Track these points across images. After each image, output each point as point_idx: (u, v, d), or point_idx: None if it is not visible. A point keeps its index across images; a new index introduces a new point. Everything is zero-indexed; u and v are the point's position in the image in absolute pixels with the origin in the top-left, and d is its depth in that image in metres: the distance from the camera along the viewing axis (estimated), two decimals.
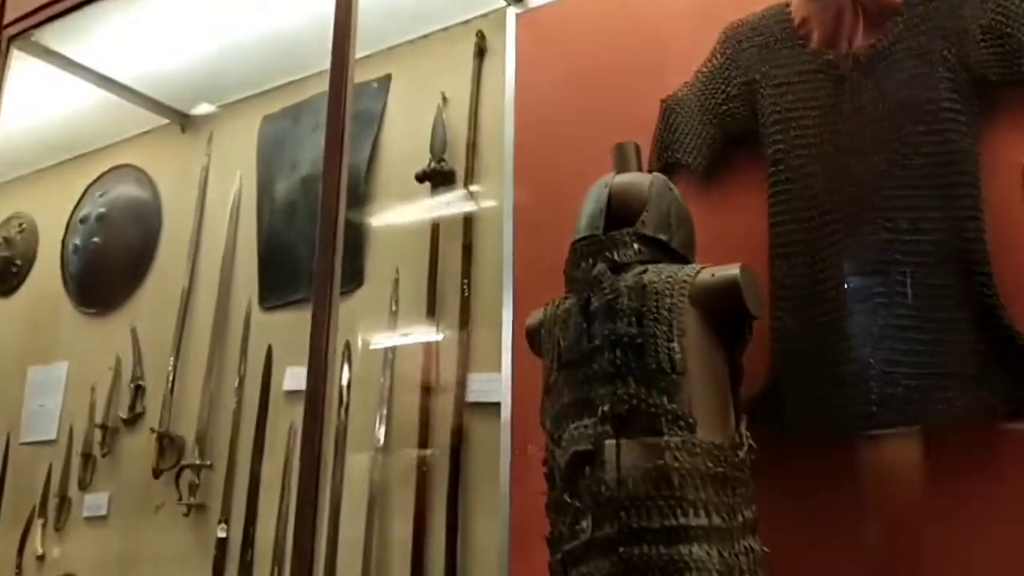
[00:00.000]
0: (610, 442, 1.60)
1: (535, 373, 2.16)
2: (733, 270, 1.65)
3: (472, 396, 2.30)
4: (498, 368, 2.22)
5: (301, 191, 2.82)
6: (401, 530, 2.28)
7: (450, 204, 2.47)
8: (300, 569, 1.66)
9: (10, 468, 3.31)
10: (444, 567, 2.18)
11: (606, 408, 1.63)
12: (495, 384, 2.24)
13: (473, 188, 2.43)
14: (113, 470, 3.00)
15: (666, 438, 1.57)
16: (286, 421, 2.64)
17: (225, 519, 2.64)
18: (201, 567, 2.63)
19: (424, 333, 2.43)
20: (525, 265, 2.23)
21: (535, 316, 1.90)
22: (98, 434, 3.03)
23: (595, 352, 1.67)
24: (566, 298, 1.81)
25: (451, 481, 2.25)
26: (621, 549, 1.53)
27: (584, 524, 1.60)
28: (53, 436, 3.20)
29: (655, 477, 1.56)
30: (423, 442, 2.33)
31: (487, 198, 2.41)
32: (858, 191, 1.74)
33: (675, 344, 1.63)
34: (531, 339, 1.91)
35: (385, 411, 2.43)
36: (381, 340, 2.52)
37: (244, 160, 3.01)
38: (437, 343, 2.41)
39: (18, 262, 3.54)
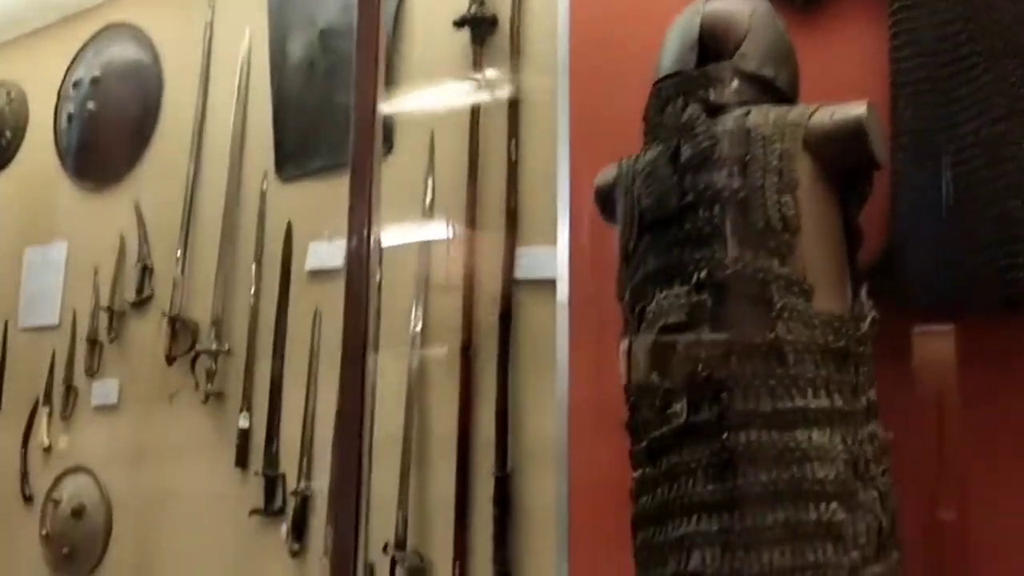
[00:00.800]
0: (709, 313, 1.37)
1: (596, 244, 1.93)
2: (857, 109, 1.39)
3: (522, 272, 2.05)
4: (552, 240, 1.97)
5: (320, 48, 2.50)
6: (444, 423, 2.07)
7: (492, 53, 2.16)
8: (348, 466, 1.45)
9: (10, 355, 3.10)
10: (495, 460, 1.97)
11: (703, 274, 1.38)
12: (549, 258, 1.98)
13: (520, 32, 2.12)
14: (122, 356, 2.78)
15: (778, 307, 1.33)
16: (310, 303, 2.40)
17: (247, 408, 2.43)
18: (222, 457, 2.44)
19: (464, 203, 2.16)
20: (584, 118, 1.94)
21: (607, 173, 1.64)
22: (104, 318, 2.80)
23: (688, 210, 1.42)
24: (647, 149, 1.54)
25: (500, 367, 2.02)
26: (725, 436, 1.31)
27: (678, 407, 1.37)
28: (55, 321, 2.97)
29: (764, 353, 1.33)
30: (467, 325, 2.09)
31: (536, 42, 2.09)
32: (1002, 17, 1.45)
33: (787, 198, 1.38)
34: (602, 201, 1.65)
35: (423, 293, 2.18)
36: (414, 212, 2.25)
37: (253, 15, 2.68)
38: (479, 214, 2.14)
39: (7, 134, 3.24)
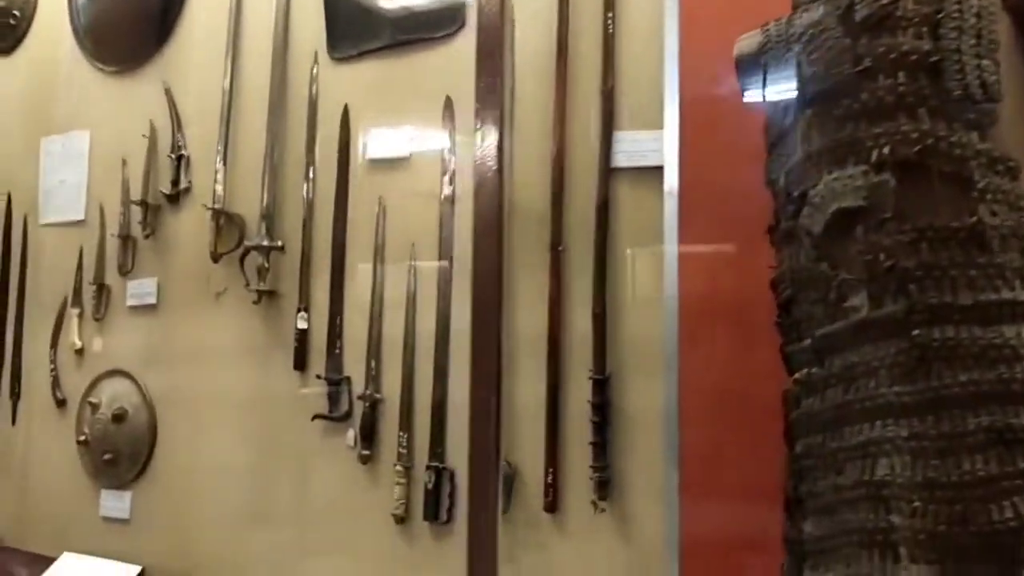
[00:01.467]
0: (892, 195, 1.20)
1: (708, 127, 1.76)
2: None
3: (621, 160, 1.87)
4: (658, 124, 1.79)
5: None
6: (532, 323, 1.91)
7: None
8: (485, 376, 1.31)
9: (31, 253, 2.90)
10: (592, 362, 1.83)
11: (884, 151, 1.21)
12: (654, 143, 1.81)
13: None
14: (159, 254, 2.59)
15: (980, 187, 1.18)
16: (370, 195, 2.22)
17: (304, 307, 2.26)
18: (277, 359, 2.29)
19: (550, 82, 1.96)
20: None
21: (749, 40, 1.44)
22: (137, 213, 2.60)
23: (866, 77, 1.24)
24: (805, 9, 1.35)
25: (597, 264, 1.86)
26: (916, 332, 1.16)
27: (856, 300, 1.22)
28: (81, 216, 2.77)
29: (963, 240, 1.17)
30: (556, 220, 1.92)
31: None
32: None
33: (987, 61, 1.20)
34: (745, 72, 1.46)
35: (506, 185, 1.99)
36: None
37: None
38: (569, 93, 1.95)
39: (16, 13, 2.97)
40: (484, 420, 1.38)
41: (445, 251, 2.07)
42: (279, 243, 2.30)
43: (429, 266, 2.11)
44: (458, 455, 2.00)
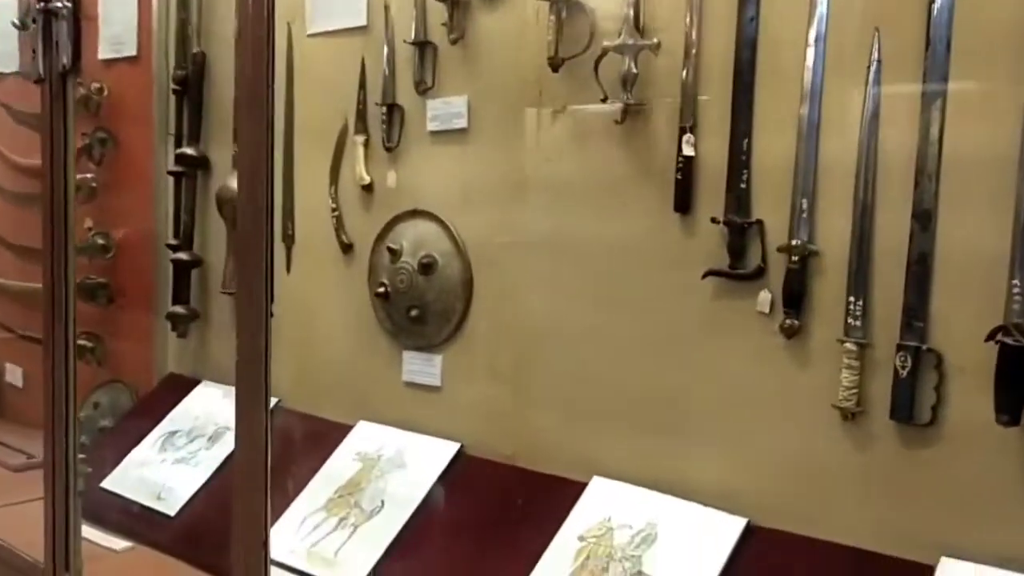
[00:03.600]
0: None
1: None
2: None
3: None
4: None
5: None
6: None
7: None
8: None
9: (299, 70, 2.44)
10: None
11: None
12: None
13: None
14: (470, 64, 2.06)
15: None
16: None
17: (690, 126, 1.69)
18: (649, 197, 1.75)
19: None
20: None
21: None
22: (438, 11, 2.06)
23: None
24: None
25: None
26: None
27: None
28: (362, 21, 2.26)
29: None
30: None
31: None
32: None
33: None
34: None
35: None
36: None
37: None
38: None
39: None
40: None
41: None
42: (653, 40, 1.71)
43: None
44: (948, 332, 1.42)
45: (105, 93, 2.93)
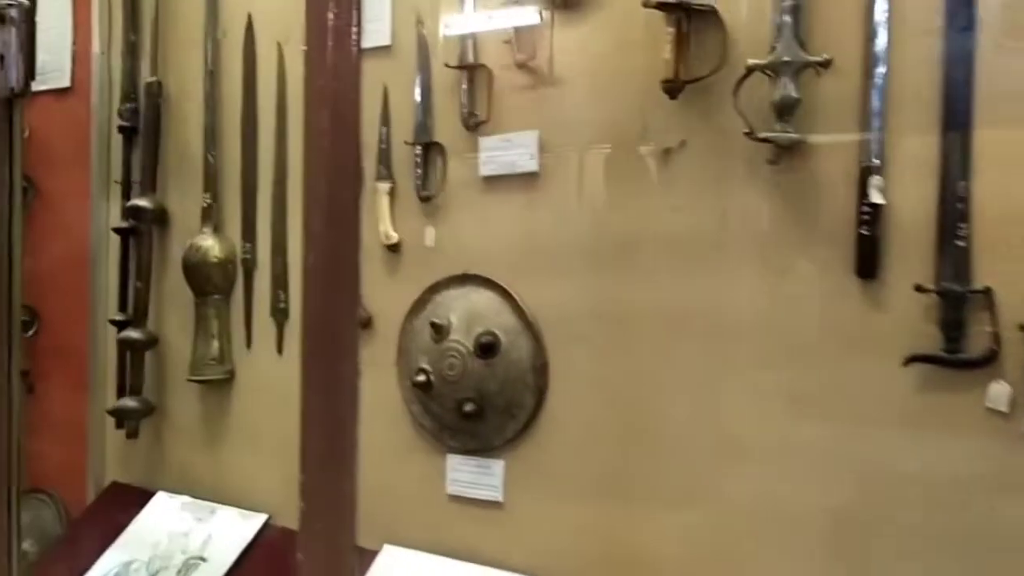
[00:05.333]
0: None
1: None
2: None
3: None
4: None
5: None
6: None
7: None
8: None
9: (296, 96, 1.96)
10: None
11: None
12: None
13: None
14: (538, 90, 1.62)
15: None
16: None
17: (876, 167, 1.29)
18: (818, 257, 1.34)
19: None
20: None
21: None
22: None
23: None
24: None
25: None
26: None
27: None
28: (384, 40, 1.80)
29: None
30: None
31: None
32: None
33: None
34: None
35: None
36: None
37: None
38: None
39: None
40: None
41: None
42: (823, 56, 1.32)
43: None
44: None
45: (25, 133, 2.36)
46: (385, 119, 1.81)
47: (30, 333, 2.36)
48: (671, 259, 1.47)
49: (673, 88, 1.43)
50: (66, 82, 2.31)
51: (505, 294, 1.65)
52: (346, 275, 1.02)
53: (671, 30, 1.43)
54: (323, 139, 0.95)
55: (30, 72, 1.34)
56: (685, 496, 1.47)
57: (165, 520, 2.04)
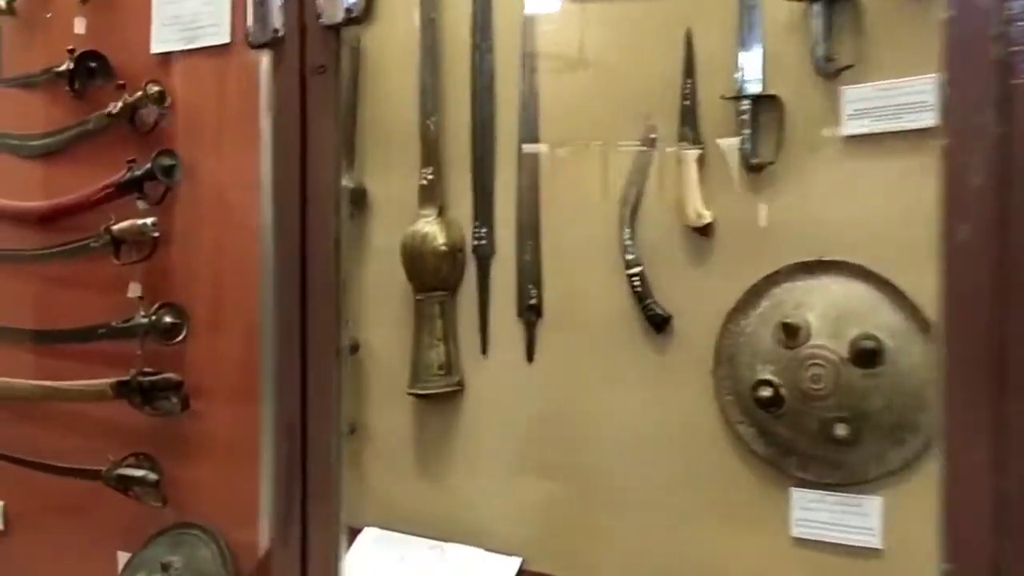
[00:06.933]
0: None
1: None
2: None
3: None
4: None
5: None
6: None
7: None
8: None
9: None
10: None
11: None
12: None
13: None
14: (929, 23, 1.29)
15: None
16: None
17: None
18: None
19: None
20: None
21: None
22: None
23: None
24: None
25: None
26: None
27: None
28: None
29: None
30: None
31: None
32: None
33: None
34: None
35: None
36: None
37: None
38: None
39: None
40: None
41: None
42: None
43: None
44: None
45: (166, 103, 1.98)
46: (689, 69, 1.45)
47: (177, 340, 1.99)
48: None
49: None
50: (225, 37, 1.93)
51: (886, 286, 1.30)
52: None
53: None
54: None
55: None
56: None
57: (383, 561, 1.68)
